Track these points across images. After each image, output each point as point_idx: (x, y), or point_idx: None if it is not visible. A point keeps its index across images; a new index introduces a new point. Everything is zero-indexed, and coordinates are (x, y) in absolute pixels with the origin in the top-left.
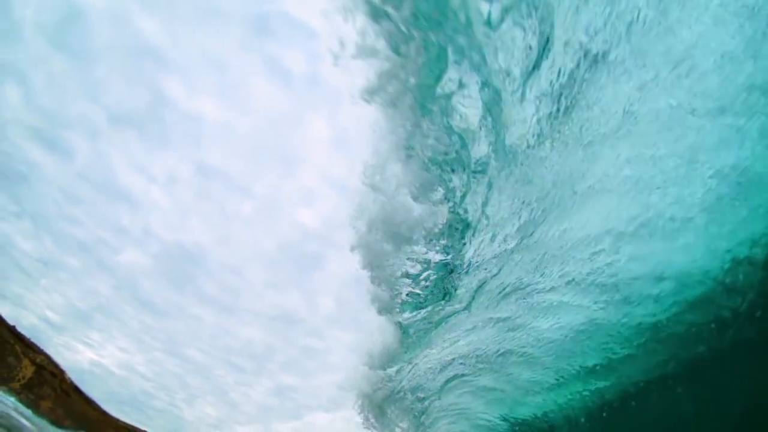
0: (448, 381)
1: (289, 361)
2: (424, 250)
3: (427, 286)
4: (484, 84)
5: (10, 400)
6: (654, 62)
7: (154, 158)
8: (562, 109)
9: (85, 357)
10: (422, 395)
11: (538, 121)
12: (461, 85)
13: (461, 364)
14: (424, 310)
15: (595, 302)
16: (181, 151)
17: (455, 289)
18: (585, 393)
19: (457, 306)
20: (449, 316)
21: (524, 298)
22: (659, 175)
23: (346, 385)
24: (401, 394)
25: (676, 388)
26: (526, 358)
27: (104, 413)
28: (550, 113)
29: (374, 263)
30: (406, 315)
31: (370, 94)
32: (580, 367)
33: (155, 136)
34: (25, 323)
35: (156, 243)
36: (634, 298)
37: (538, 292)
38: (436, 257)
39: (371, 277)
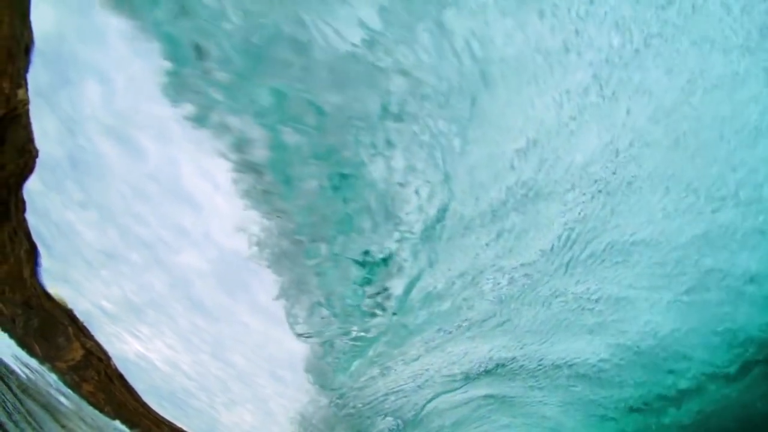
0: (429, 401)
1: None
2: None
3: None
4: None
5: (53, 378)
6: None
7: (220, 166)
8: None
9: (131, 348)
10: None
11: None
12: None
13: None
14: (350, 321)
15: (664, 297)
16: None
17: (388, 291)
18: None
19: (395, 317)
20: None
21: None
22: None
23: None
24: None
25: None
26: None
27: (144, 404)
28: None
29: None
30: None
31: None
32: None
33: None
34: (81, 308)
35: (214, 248)
36: (730, 295)
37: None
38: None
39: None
